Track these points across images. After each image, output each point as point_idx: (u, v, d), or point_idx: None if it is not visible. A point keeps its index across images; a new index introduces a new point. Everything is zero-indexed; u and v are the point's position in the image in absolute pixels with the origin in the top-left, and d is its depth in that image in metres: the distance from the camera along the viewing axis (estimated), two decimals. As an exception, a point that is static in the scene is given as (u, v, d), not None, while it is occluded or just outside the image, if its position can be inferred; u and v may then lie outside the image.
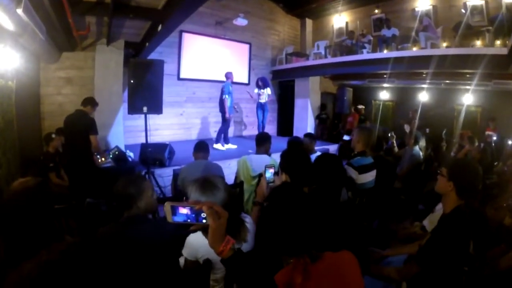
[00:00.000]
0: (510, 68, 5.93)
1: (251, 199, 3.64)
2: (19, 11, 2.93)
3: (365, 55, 8.88)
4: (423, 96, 9.76)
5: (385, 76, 9.45)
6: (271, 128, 11.73)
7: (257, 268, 1.20)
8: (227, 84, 7.96)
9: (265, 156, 3.95)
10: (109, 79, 6.71)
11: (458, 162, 2.41)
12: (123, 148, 6.34)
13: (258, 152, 4.09)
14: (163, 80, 5.49)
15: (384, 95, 11.34)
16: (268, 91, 9.31)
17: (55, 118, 5.95)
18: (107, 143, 6.65)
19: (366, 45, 9.38)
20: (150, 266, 1.86)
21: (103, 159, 5.42)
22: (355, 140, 3.55)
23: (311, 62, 10.47)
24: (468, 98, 8.98)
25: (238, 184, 3.78)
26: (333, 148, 9.44)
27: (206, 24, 9.71)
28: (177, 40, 9.09)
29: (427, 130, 8.30)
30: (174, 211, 1.16)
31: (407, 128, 7.24)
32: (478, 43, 7.45)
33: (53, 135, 5.02)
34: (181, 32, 9.02)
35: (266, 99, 9.34)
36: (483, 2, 8.06)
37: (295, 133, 10.82)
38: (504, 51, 6.03)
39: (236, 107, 8.23)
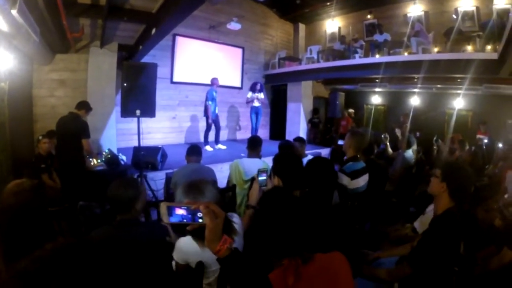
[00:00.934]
0: (501, 73, 6.01)
1: (244, 202, 3.64)
2: (14, 12, 2.93)
3: (357, 59, 8.93)
4: (415, 101, 9.84)
5: (377, 80, 9.54)
6: (263, 132, 11.73)
7: (253, 268, 1.20)
8: (211, 90, 8.17)
9: (257, 160, 3.96)
10: (102, 81, 6.69)
11: (451, 164, 2.44)
12: (115, 151, 6.30)
13: (250, 155, 4.09)
14: (156, 83, 5.47)
15: (376, 100, 11.42)
16: (261, 95, 9.38)
17: (47, 120, 5.91)
18: (100, 146, 6.61)
19: (358, 50, 9.44)
20: (145, 268, 1.86)
21: (95, 162, 5.39)
22: (346, 145, 3.57)
23: (303, 66, 10.50)
24: (459, 102, 9.08)
25: (231, 187, 3.78)
26: (325, 152, 9.47)
27: (200, 28, 9.73)
28: (170, 44, 9.09)
29: (418, 134, 8.37)
30: (171, 212, 1.15)
31: (398, 132, 7.30)
32: (469, 48, 7.56)
33: (40, 137, 5.00)
34: (174, 35, 9.02)
35: (260, 103, 9.41)
36: (474, 8, 8.20)
37: (287, 137, 10.81)
38: (495, 56, 6.12)
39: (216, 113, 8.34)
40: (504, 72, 5.84)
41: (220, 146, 8.78)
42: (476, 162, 5.99)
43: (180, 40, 9.31)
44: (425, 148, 7.10)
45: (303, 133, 11.10)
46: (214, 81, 8.31)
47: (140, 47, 6.48)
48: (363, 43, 9.90)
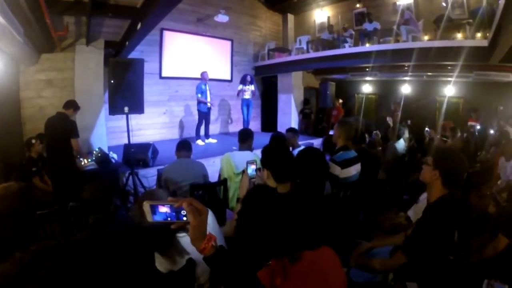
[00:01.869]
0: (491, 60, 6.02)
1: (236, 196, 3.62)
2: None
3: (347, 49, 8.90)
4: (406, 89, 9.87)
5: (367, 69, 9.51)
6: (255, 124, 11.72)
7: (240, 266, 1.17)
8: (199, 84, 8.23)
9: (248, 153, 3.92)
10: (90, 79, 6.59)
11: (443, 151, 2.41)
12: (106, 150, 6.22)
13: (241, 148, 4.06)
14: (143, 79, 5.42)
15: (367, 89, 11.43)
16: (252, 87, 9.35)
17: (36, 122, 5.81)
18: (90, 145, 6.54)
19: (348, 39, 9.41)
20: (126, 265, 1.85)
21: (86, 161, 5.33)
22: (335, 135, 3.57)
23: (293, 57, 10.45)
24: (450, 89, 9.13)
25: (222, 181, 3.75)
26: (317, 142, 9.48)
27: (187, 21, 9.61)
28: (158, 39, 8.98)
29: (409, 122, 8.40)
30: (154, 210, 1.13)
31: (389, 120, 7.30)
32: (459, 35, 7.55)
33: (33, 141, 4.93)
34: (161, 30, 8.91)
35: (251, 95, 9.36)
36: (463, -4, 8.16)
37: (279, 129, 10.81)
38: (485, 43, 6.12)
39: (210, 104, 8.29)
40: (494, 59, 5.84)
41: (210, 140, 8.78)
42: (468, 149, 6.01)
43: (167, 35, 9.19)
44: (416, 135, 7.10)
45: (294, 124, 11.09)
46: (203, 75, 8.32)
47: (127, 43, 6.40)
48: (353, 32, 9.86)
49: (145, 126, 8.62)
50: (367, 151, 4.26)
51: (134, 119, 5.72)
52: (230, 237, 2.33)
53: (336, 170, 3.17)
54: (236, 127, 10.88)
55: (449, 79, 8.77)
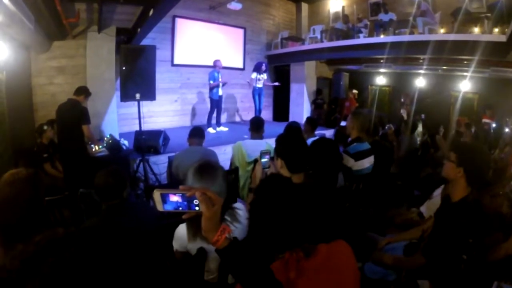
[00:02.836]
0: (509, 56, 5.86)
1: (247, 185, 3.60)
2: (5, 0, 2.85)
3: (362, 39, 8.74)
4: (420, 82, 9.71)
5: (381, 61, 9.36)
6: (266, 113, 11.62)
7: (254, 259, 1.13)
8: (212, 71, 8.10)
9: (260, 141, 3.89)
10: (102, 66, 6.60)
11: (468, 147, 2.30)
12: (117, 137, 6.23)
13: (252, 137, 4.03)
14: (155, 66, 5.40)
15: (380, 80, 11.28)
16: (265, 76, 9.25)
17: (48, 109, 5.87)
18: (101, 131, 6.58)
19: (362, 29, 9.25)
20: (137, 255, 1.84)
21: (97, 148, 5.34)
22: (349, 126, 3.49)
23: (306, 46, 10.28)
24: (465, 84, 8.95)
25: (233, 170, 3.73)
26: (329, 133, 9.39)
27: (200, 9, 9.51)
28: (170, 26, 8.90)
29: (423, 116, 8.26)
30: (164, 199, 1.08)
31: (404, 113, 7.18)
32: (476, 29, 7.37)
33: (45, 127, 4.96)
34: (174, 17, 8.83)
35: (263, 84, 9.30)
36: (482, -11, 7.95)
37: (291, 118, 10.73)
38: (503, 38, 5.95)
39: (223, 83, 8.22)
40: (513, 55, 5.70)
41: (222, 128, 8.73)
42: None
43: (180, 22, 9.10)
44: (430, 131, 6.99)
45: (306, 114, 10.99)
46: (216, 63, 8.21)
47: (139, 30, 6.36)
48: (368, 23, 9.69)
49: (157, 114, 8.60)
50: (380, 143, 4.19)
51: (146, 106, 5.72)
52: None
53: (350, 162, 3.11)
54: (246, 116, 10.82)
55: (465, 74, 8.59)
